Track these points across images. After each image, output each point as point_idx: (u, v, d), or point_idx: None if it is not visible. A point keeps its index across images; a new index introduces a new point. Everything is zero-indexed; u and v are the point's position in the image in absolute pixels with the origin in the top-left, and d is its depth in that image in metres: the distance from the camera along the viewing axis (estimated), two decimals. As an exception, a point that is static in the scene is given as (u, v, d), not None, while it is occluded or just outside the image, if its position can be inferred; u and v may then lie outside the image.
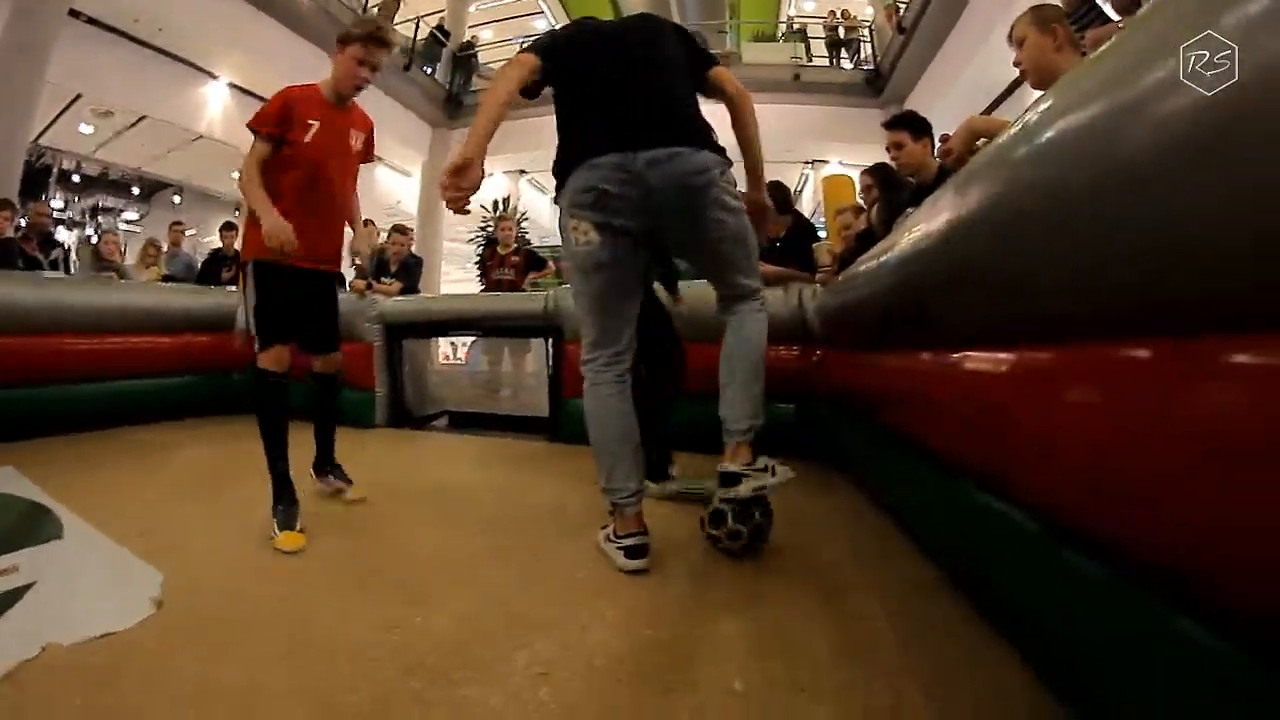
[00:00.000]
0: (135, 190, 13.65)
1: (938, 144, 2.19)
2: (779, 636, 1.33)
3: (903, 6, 9.37)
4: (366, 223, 5.28)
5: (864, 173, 3.41)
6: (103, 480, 2.67)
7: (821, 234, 5.41)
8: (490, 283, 4.85)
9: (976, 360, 1.29)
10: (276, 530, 1.93)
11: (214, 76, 9.41)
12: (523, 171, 12.47)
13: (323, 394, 2.45)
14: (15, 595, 1.53)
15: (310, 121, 2.14)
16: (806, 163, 12.30)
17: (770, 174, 5.01)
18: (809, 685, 1.13)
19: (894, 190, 3.04)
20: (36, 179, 11.33)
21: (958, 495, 1.37)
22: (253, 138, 2.12)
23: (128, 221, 13.89)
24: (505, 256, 4.92)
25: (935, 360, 1.53)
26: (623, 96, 1.76)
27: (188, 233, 8.37)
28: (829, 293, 2.82)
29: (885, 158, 3.27)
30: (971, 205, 1.17)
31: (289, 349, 2.17)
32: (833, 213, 4.74)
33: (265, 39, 8.69)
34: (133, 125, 10.37)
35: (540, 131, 10.73)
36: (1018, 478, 1.10)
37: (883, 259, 1.85)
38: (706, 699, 1.10)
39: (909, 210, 2.02)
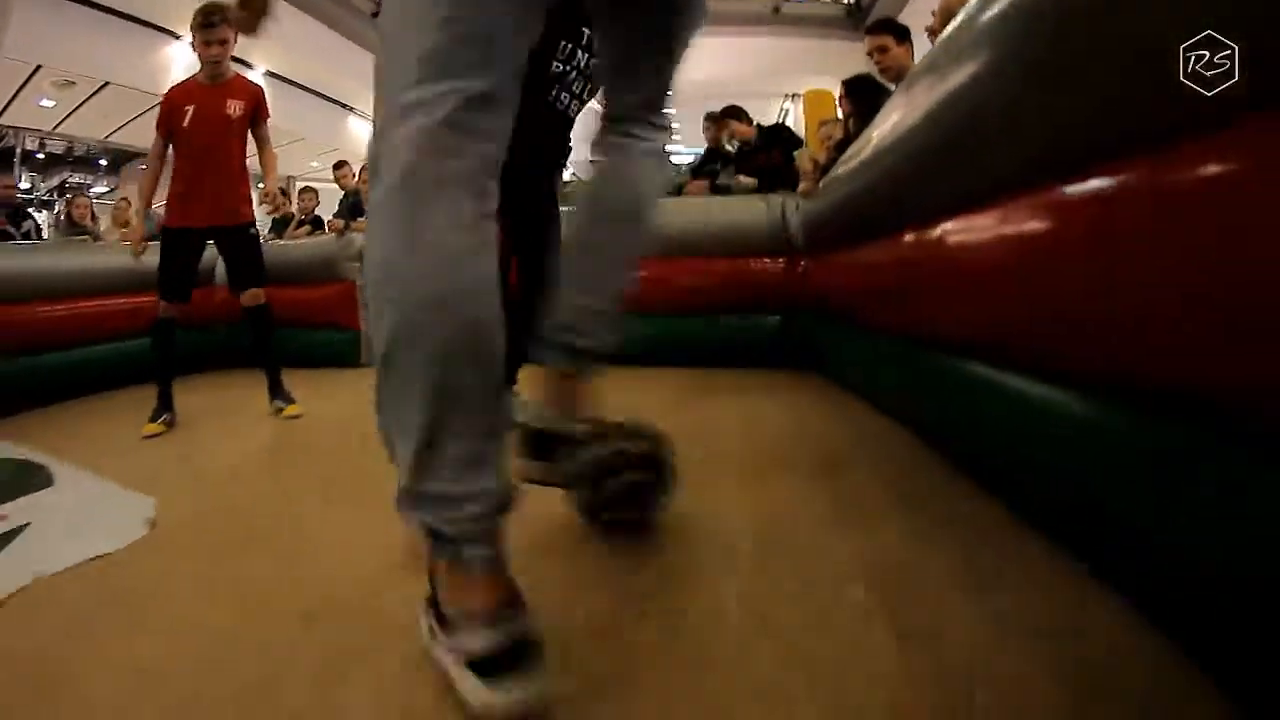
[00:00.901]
0: (103, 162, 13.34)
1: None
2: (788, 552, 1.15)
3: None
4: (340, 164, 5.33)
5: (842, 83, 3.40)
6: (95, 432, 2.69)
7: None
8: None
9: (972, 224, 1.28)
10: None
11: (176, 36, 9.13)
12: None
13: (253, 328, 2.81)
14: (8, 537, 1.52)
15: (186, 108, 2.61)
16: (787, 95, 12.17)
17: (751, 109, 5.01)
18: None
19: (873, 99, 3.02)
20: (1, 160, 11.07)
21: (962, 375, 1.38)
22: None
23: (97, 195, 13.61)
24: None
25: (929, 235, 1.52)
26: None
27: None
28: (814, 199, 2.81)
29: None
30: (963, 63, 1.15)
31: (178, 306, 2.67)
32: (815, 125, 4.66)
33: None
34: (95, 93, 10.07)
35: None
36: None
37: (871, 147, 1.81)
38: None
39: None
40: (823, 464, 1.63)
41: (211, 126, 2.63)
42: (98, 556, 1.35)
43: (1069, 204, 0.93)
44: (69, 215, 5.14)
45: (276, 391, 2.80)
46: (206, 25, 2.55)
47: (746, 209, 3.32)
